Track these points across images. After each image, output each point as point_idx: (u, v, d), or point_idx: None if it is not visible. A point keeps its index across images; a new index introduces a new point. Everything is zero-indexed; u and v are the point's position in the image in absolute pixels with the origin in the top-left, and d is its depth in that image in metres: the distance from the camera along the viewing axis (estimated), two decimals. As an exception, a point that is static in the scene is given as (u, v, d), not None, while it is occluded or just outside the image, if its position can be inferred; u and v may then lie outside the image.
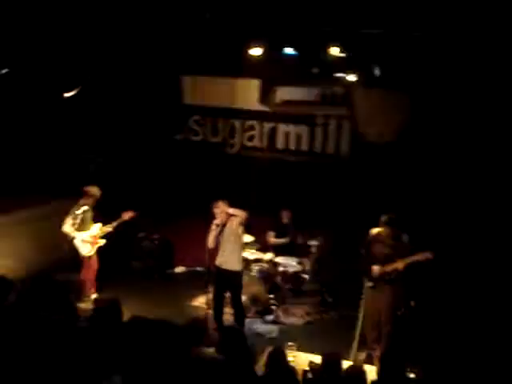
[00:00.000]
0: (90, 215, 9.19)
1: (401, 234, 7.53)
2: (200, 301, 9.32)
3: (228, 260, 8.06)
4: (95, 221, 9.24)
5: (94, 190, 9.18)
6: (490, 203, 9.50)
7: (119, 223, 9.31)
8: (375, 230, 7.70)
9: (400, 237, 7.52)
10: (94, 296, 8.99)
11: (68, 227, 8.99)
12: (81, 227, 9.08)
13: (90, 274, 9.27)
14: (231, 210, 7.93)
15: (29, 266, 9.59)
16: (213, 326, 8.00)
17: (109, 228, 9.30)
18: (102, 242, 9.28)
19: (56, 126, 10.58)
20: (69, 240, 9.03)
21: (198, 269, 10.48)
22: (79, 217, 8.98)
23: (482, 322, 8.32)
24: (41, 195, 10.23)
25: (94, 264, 9.30)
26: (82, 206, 9.03)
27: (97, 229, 9.21)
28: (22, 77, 9.49)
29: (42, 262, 9.89)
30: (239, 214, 7.91)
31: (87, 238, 9.11)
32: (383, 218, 7.52)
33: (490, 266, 9.12)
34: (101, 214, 9.39)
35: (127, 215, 9.26)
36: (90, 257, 9.21)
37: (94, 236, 9.18)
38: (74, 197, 9.26)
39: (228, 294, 8.28)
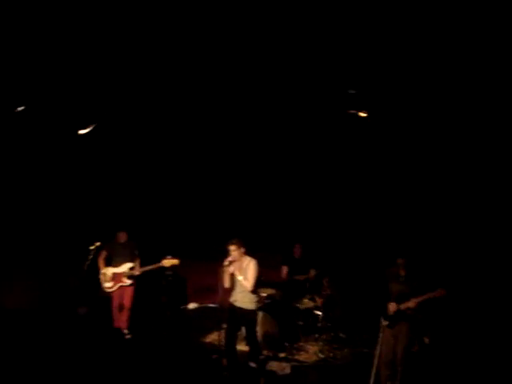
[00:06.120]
0: (117, 252, 9.34)
1: (415, 271, 7.54)
2: (213, 337, 9.29)
3: (241, 298, 8.03)
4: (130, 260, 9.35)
5: (120, 235, 9.41)
6: (501, 235, 9.45)
7: (154, 268, 9.29)
8: (391, 268, 7.71)
9: (414, 273, 7.53)
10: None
11: (99, 261, 9.29)
12: (108, 262, 9.33)
13: (113, 308, 9.35)
14: (248, 259, 7.98)
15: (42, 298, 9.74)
16: (224, 362, 8.02)
17: (136, 272, 9.36)
18: (128, 282, 9.32)
19: (70, 162, 10.69)
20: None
21: (211, 305, 10.46)
22: (92, 252, 9.01)
23: (495, 359, 8.22)
24: (54, 231, 10.32)
25: (114, 300, 9.36)
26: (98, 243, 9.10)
27: (124, 268, 9.26)
28: (38, 114, 9.63)
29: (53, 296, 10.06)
30: (252, 267, 7.96)
31: (109, 273, 9.22)
32: (399, 258, 7.56)
33: (504, 304, 9.04)
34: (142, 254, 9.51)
35: (169, 262, 9.13)
36: (110, 292, 9.27)
37: (119, 274, 9.24)
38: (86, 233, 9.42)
39: (240, 332, 8.27)
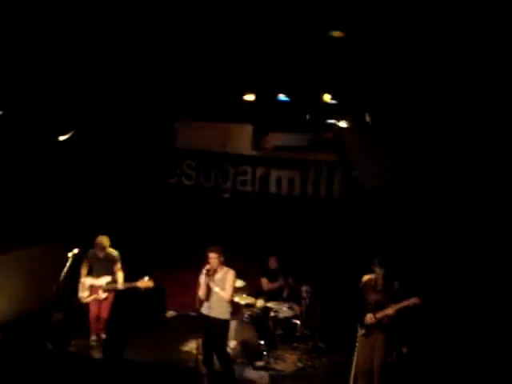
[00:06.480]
0: (96, 264, 9.17)
1: (392, 280, 7.55)
2: (191, 346, 9.22)
3: (217, 308, 7.95)
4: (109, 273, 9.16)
5: (97, 239, 9.10)
6: (481, 246, 9.52)
7: (130, 287, 9.08)
8: (367, 277, 7.71)
9: (391, 282, 7.54)
10: (93, 338, 9.16)
11: (82, 268, 9.14)
12: (88, 272, 9.17)
13: (90, 317, 9.23)
14: (225, 269, 7.96)
15: (19, 306, 9.70)
16: (203, 370, 7.98)
17: (119, 286, 9.10)
18: (103, 295, 9.10)
19: (50, 168, 10.61)
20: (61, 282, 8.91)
21: (190, 313, 10.40)
22: (69, 259, 8.86)
23: (474, 369, 8.27)
24: (32, 237, 10.21)
25: (91, 310, 9.21)
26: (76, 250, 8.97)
27: (102, 281, 9.09)
28: (17, 120, 9.56)
29: (32, 303, 9.94)
30: (230, 277, 7.94)
31: (87, 284, 9.12)
32: (375, 263, 7.56)
33: (482, 312, 9.10)
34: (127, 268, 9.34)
35: (143, 284, 8.91)
36: (86, 303, 9.15)
37: (96, 286, 9.11)
38: (67, 239, 9.30)
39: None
